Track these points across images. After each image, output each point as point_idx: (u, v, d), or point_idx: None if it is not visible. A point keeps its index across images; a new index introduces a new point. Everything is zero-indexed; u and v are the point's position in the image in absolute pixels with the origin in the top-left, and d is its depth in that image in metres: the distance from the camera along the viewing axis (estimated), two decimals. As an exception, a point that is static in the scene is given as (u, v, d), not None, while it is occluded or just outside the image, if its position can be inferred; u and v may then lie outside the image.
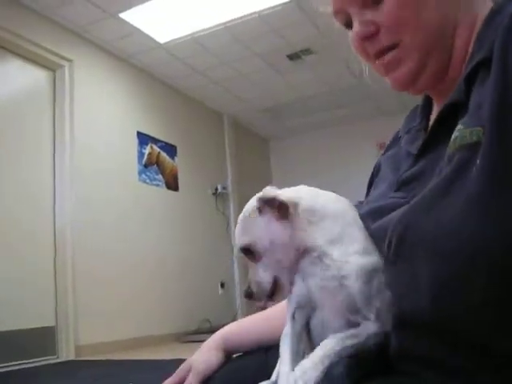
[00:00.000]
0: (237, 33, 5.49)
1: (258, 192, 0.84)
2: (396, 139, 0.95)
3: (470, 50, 0.70)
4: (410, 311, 0.62)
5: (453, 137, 0.62)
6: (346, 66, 6.28)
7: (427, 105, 0.87)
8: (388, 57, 0.78)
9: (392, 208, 0.71)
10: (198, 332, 5.62)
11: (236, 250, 0.81)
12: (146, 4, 4.84)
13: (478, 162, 0.56)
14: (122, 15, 5.00)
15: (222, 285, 7.11)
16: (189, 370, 1.02)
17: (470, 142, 0.58)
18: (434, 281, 0.59)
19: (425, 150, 0.75)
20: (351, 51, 0.84)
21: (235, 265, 7.45)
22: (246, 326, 1.10)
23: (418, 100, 0.96)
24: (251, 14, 5.15)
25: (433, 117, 0.83)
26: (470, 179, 0.56)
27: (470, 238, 0.55)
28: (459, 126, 0.62)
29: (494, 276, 0.54)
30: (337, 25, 0.86)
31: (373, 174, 1.00)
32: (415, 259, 0.62)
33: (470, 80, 0.65)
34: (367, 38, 0.78)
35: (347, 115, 8.01)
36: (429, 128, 0.78)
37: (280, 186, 0.82)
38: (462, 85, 0.67)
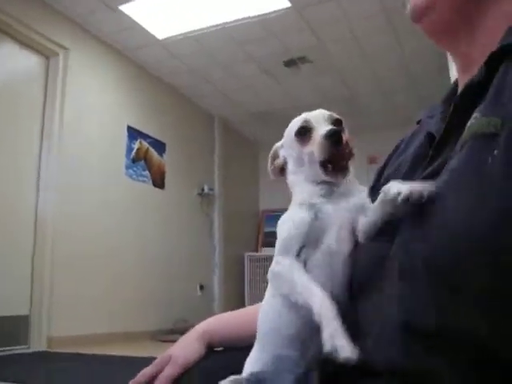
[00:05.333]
0: (235, 35, 5.48)
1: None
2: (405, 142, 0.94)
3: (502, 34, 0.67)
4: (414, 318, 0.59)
5: (468, 124, 0.60)
6: (340, 77, 6.30)
7: (452, 94, 0.85)
8: None
9: None
10: (173, 332, 5.58)
11: None
12: (147, -2, 4.82)
13: (495, 152, 0.53)
14: (122, 8, 4.97)
15: (202, 287, 7.07)
16: (168, 361, 0.99)
17: (487, 131, 0.56)
18: (432, 280, 0.57)
19: (444, 141, 0.71)
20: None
21: (216, 267, 7.43)
22: (229, 320, 1.09)
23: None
24: (252, 18, 5.14)
25: None
26: (486, 171, 0.54)
27: (481, 233, 0.52)
28: (476, 114, 0.59)
29: (500, 277, 0.51)
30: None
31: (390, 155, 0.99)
32: (412, 259, 0.59)
33: (493, 64, 0.63)
34: None
35: (338, 126, 8.02)
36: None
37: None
38: (483, 69, 0.65)
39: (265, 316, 0.83)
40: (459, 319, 0.54)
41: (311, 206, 0.78)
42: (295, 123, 0.86)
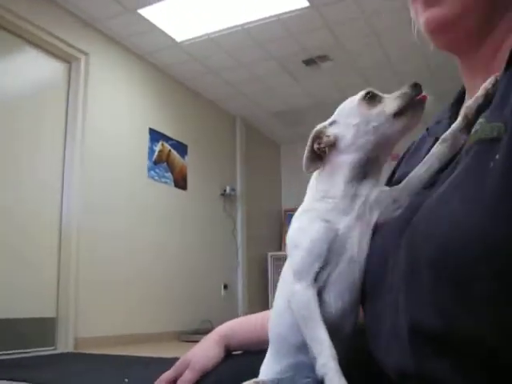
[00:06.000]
0: (254, 35, 5.48)
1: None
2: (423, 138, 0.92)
3: None
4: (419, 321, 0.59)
5: (473, 130, 0.60)
6: (361, 75, 6.27)
7: (460, 99, 0.84)
8: None
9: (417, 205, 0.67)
10: (197, 332, 5.60)
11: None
12: (165, 1, 4.84)
13: (497, 157, 0.53)
14: (141, 11, 5.01)
15: (226, 286, 7.10)
16: (187, 365, 1.00)
17: (491, 136, 0.56)
18: (435, 283, 0.56)
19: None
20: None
21: (239, 267, 7.44)
22: (248, 323, 1.07)
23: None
24: (270, 17, 5.14)
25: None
26: (487, 175, 0.54)
27: (479, 236, 0.52)
28: (480, 120, 0.60)
29: (499, 282, 0.51)
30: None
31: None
32: (419, 260, 0.59)
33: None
34: None
35: (360, 124, 8.00)
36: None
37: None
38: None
39: (275, 322, 0.83)
40: (465, 322, 0.54)
41: (329, 228, 0.76)
42: (351, 98, 0.83)
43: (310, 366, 0.73)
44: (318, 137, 0.81)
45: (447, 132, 0.73)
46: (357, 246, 0.76)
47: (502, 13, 0.70)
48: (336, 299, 0.75)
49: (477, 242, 0.52)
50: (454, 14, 0.71)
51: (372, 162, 0.80)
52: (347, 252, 0.75)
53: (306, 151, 0.81)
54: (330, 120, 0.84)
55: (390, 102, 0.77)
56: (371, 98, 0.79)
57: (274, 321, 0.84)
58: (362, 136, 0.78)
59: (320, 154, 0.81)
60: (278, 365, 0.80)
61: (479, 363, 0.54)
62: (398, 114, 0.77)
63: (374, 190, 0.79)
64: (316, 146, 0.80)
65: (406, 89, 0.77)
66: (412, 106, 0.77)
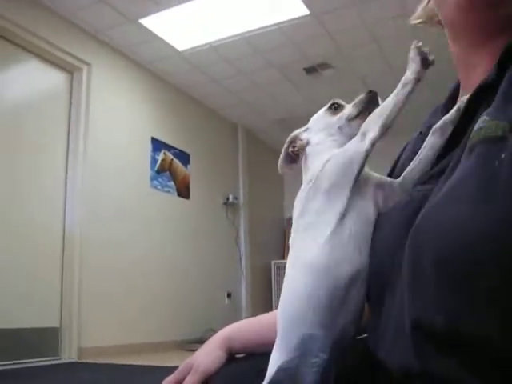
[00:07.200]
0: (255, 44, 5.50)
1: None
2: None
3: None
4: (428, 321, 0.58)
5: (476, 127, 0.59)
6: (362, 82, 6.28)
7: (453, 97, 0.85)
8: None
9: (419, 202, 0.67)
10: (201, 341, 5.57)
11: None
12: (166, 11, 4.87)
13: (502, 156, 0.53)
14: (142, 21, 5.03)
15: (229, 295, 7.09)
16: (190, 369, 0.99)
17: (495, 135, 0.55)
18: (439, 282, 0.56)
19: (453, 140, 0.70)
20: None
21: (243, 276, 7.43)
22: (251, 325, 1.08)
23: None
24: (270, 26, 5.16)
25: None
26: (492, 174, 0.53)
27: (485, 235, 0.52)
28: (484, 117, 0.58)
29: (505, 282, 0.50)
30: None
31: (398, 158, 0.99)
32: (423, 259, 0.59)
33: (505, 64, 0.61)
34: None
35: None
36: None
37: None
38: (495, 68, 0.63)
39: (288, 301, 0.79)
40: (469, 321, 0.54)
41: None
42: (321, 109, 0.93)
43: (322, 343, 0.72)
44: (293, 141, 0.92)
45: (438, 123, 0.79)
46: (371, 207, 0.79)
47: None
48: (354, 249, 0.75)
49: (483, 241, 0.52)
50: None
51: None
52: (367, 202, 0.79)
53: (281, 153, 0.93)
54: (304, 127, 0.95)
55: (348, 109, 0.89)
56: (335, 108, 0.91)
57: (286, 299, 0.80)
58: (328, 136, 0.89)
59: (294, 158, 0.92)
60: (286, 350, 0.76)
61: (489, 362, 0.54)
62: (354, 117, 0.88)
63: (374, 175, 0.83)
64: (291, 149, 0.92)
65: (361, 96, 0.89)
66: (367, 109, 0.86)
